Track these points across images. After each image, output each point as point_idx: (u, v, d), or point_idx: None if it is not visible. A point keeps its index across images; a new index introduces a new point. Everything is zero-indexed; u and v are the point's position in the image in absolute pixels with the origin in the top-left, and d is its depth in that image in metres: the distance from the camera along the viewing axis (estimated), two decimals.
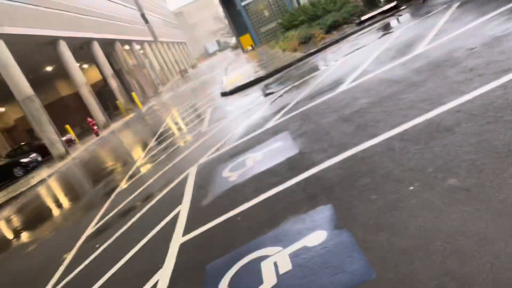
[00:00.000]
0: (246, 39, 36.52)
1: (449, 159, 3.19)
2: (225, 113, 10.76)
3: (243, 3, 31.04)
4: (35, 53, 27.06)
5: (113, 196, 7.95)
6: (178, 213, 5.11)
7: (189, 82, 38.79)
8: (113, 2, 44.84)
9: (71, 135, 30.28)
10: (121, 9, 46.67)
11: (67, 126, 31.04)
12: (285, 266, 2.82)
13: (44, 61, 30.94)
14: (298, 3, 27.85)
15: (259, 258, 3.08)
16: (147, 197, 6.58)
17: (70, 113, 41.73)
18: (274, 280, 2.74)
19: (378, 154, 3.90)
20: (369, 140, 4.32)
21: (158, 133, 13.61)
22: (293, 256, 2.90)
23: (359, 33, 12.64)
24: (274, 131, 6.49)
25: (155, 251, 4.34)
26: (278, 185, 4.37)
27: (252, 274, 2.93)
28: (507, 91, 3.90)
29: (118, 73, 43.70)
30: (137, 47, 53.70)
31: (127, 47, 47.65)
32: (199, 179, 6.06)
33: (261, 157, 5.57)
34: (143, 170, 8.90)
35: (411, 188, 3.05)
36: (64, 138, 29.93)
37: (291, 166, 4.70)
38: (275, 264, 2.90)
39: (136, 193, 7.23)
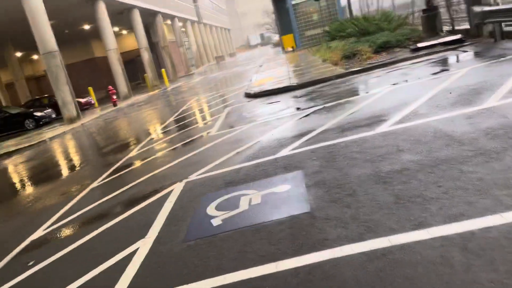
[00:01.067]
0: (288, 39, 35.04)
1: None
2: (241, 119, 9.44)
3: (293, 2, 29.58)
4: (73, 9, 26.34)
5: (87, 190, 6.76)
6: (135, 252, 3.84)
7: (222, 70, 37.66)
8: None
9: (92, 98, 29.63)
10: None
11: (90, 88, 30.46)
12: None
13: (81, 18, 30.21)
14: (351, 14, 26.22)
15: None
16: (116, 209, 5.34)
17: (99, 75, 41.24)
18: None
19: (424, 264, 2.51)
20: (412, 230, 2.93)
21: (168, 121, 12.41)
22: None
23: (413, 61, 11.08)
24: (287, 165, 5.14)
25: None
26: (267, 262, 3.04)
27: None
28: None
29: (154, 46, 43.02)
30: (179, 24, 52.93)
31: (169, 22, 46.87)
32: (179, 206, 4.77)
33: (260, 201, 4.23)
34: (133, 164, 7.69)
35: None
36: (83, 100, 29.32)
37: (293, 234, 3.36)
38: None
39: (109, 196, 6.01)
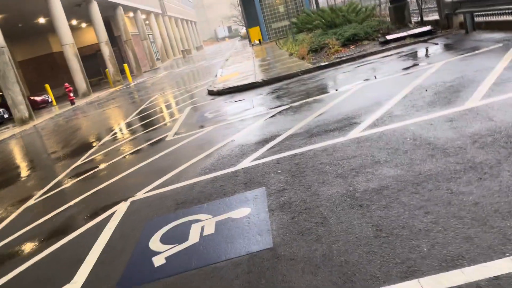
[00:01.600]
0: (255, 32, 34.27)
1: None
2: (202, 121, 8.65)
3: None
4: (25, 1, 24.54)
5: (19, 211, 5.83)
6: None
7: (188, 64, 36.52)
8: None
9: (49, 95, 27.94)
10: None
11: (47, 86, 28.73)
12: None
13: (36, 11, 28.30)
14: (317, 6, 25.69)
15: None
16: (44, 239, 4.48)
17: (58, 71, 39.15)
18: None
19: None
20: (400, 281, 2.28)
21: (124, 123, 11.46)
22: None
23: (382, 54, 10.56)
24: (247, 180, 4.42)
25: None
26: None
27: None
28: None
29: (117, 40, 41.27)
30: (142, 16, 51.07)
31: (131, 14, 45.06)
32: (119, 235, 3.98)
33: (213, 230, 3.51)
34: (78, 176, 6.78)
35: None
36: (39, 98, 27.58)
37: (250, 282, 2.65)
38: None
39: (42, 219, 5.13)
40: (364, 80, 8.14)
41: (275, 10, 29.79)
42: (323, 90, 8.42)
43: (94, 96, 25.45)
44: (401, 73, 7.81)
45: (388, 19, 14.10)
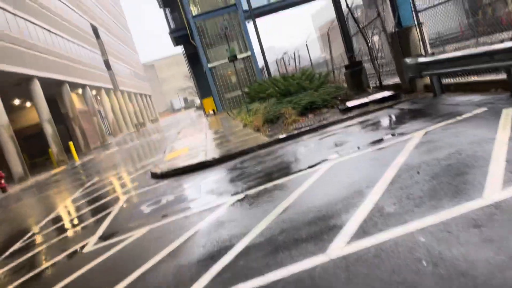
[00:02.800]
0: (208, 102, 33.60)
1: None
2: (135, 219, 6.85)
3: (209, 65, 28.34)
4: None
5: None
6: None
7: (140, 138, 34.75)
8: (72, 42, 41.36)
9: None
10: (78, 50, 43.15)
11: None
12: None
13: None
14: (269, 75, 25.39)
15: None
16: None
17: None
18: None
19: None
20: None
21: (45, 221, 9.36)
22: None
23: (346, 123, 9.45)
24: None
25: None
26: None
27: None
28: None
29: (64, 118, 39.16)
30: (92, 92, 49.68)
31: (80, 91, 43.52)
32: None
33: None
34: None
35: None
36: None
37: None
38: None
39: None
40: (331, 156, 6.79)
41: (228, 81, 29.36)
42: (284, 171, 6.96)
43: (31, 180, 22.84)
44: (375, 147, 6.53)
45: (345, 84, 13.39)
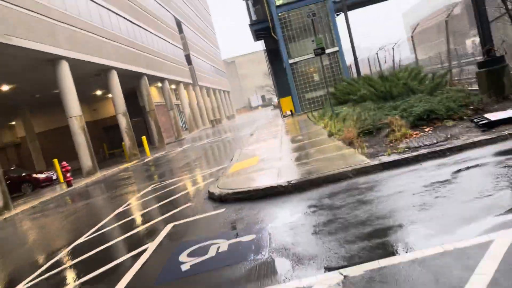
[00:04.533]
0: (286, 102, 30.98)
1: None
2: (164, 280, 4.42)
3: (290, 61, 25.65)
4: (34, 70, 22.37)
5: None
6: None
7: (214, 136, 33.30)
8: (154, 35, 41.20)
9: (57, 172, 24.95)
10: (160, 43, 42.96)
11: (55, 160, 25.88)
12: None
13: (50, 81, 26.27)
14: (359, 73, 22.04)
15: None
16: None
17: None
18: None
19: None
20: None
21: (76, 242, 7.37)
22: None
23: (492, 147, 6.18)
24: None
25: None
26: None
27: None
28: None
29: (142, 111, 39.06)
30: (171, 86, 49.66)
31: (160, 84, 43.42)
32: None
33: None
34: None
35: None
36: (42, 176, 24.58)
37: None
38: None
39: None
40: (504, 219, 3.75)
41: (309, 79, 26.43)
42: (408, 231, 4.06)
43: (99, 175, 22.06)
44: None
45: (470, 87, 9.93)
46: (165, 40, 45.17)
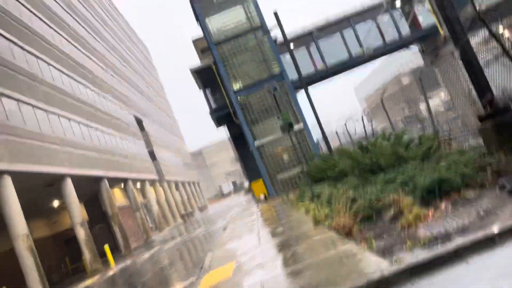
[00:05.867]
0: (258, 186, 29.16)
1: None
2: None
3: (256, 143, 24.33)
4: None
5: None
6: None
7: (187, 232, 30.47)
8: (114, 136, 39.64)
9: None
10: (120, 143, 41.29)
11: None
12: None
13: None
14: (329, 148, 20.82)
15: None
16: None
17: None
18: None
19: None
20: None
21: None
22: None
23: None
24: None
25: None
26: None
27: None
28: None
29: (105, 216, 35.96)
30: (137, 185, 47.15)
31: (122, 185, 40.89)
32: None
33: None
34: None
35: None
36: None
37: None
38: None
39: None
40: None
41: (279, 159, 24.98)
42: None
43: None
44: None
45: (465, 146, 8.47)
46: (125, 140, 43.61)
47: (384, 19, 30.41)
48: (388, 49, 29.53)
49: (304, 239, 8.52)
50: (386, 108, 13.55)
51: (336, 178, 12.79)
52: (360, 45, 28.94)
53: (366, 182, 9.56)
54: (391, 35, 30.40)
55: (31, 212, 33.47)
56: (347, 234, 7.10)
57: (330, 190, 11.33)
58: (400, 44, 30.47)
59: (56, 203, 33.24)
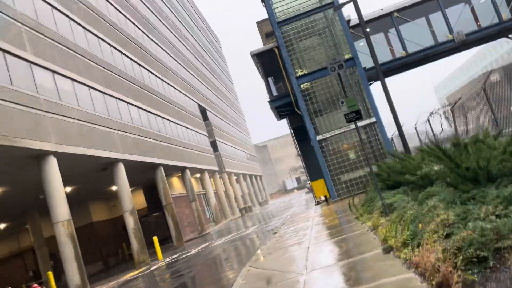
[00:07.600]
0: (319, 186, 26.30)
1: None
2: None
3: (318, 138, 21.41)
4: (21, 171, 19.25)
5: None
6: None
7: (239, 229, 28.50)
8: (175, 123, 38.74)
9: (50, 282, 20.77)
10: (181, 132, 40.36)
11: (49, 273, 21.87)
12: None
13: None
14: (406, 148, 17.37)
15: None
16: None
17: (97, 244, 32.81)
18: None
19: None
20: None
21: None
22: None
23: None
24: None
25: None
26: None
27: None
28: None
29: (162, 205, 35.14)
30: (196, 175, 46.31)
31: (180, 174, 40.04)
32: None
33: None
34: None
35: None
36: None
37: None
38: None
39: None
40: None
41: (343, 158, 21.84)
42: None
43: None
44: None
45: None
46: (186, 127, 42.69)
47: (481, 0, 25.75)
48: (483, 34, 24.85)
49: (369, 275, 5.73)
50: (488, 96, 10.15)
51: (416, 185, 9.69)
52: (450, 31, 24.68)
53: (465, 196, 6.48)
54: (488, 21, 25.63)
55: (91, 195, 33.69)
56: (440, 285, 4.25)
57: (408, 203, 8.33)
58: (498, 31, 25.56)
59: (114, 188, 32.90)
